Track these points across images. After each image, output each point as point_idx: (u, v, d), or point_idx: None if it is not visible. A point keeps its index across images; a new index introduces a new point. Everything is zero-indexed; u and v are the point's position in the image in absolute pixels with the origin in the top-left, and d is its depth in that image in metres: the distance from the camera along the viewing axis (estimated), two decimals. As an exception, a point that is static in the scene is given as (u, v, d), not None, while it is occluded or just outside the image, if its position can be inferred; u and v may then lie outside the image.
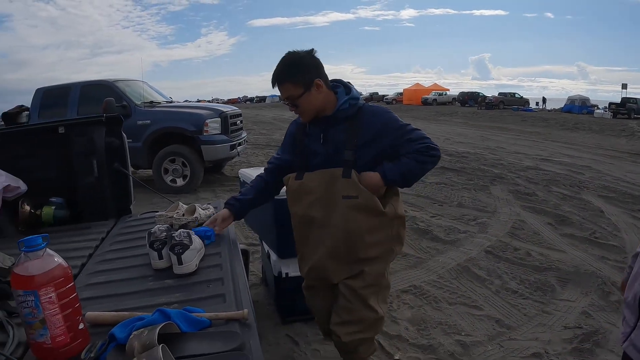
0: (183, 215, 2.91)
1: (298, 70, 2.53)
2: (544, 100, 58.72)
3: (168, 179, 9.98)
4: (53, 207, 3.32)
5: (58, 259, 1.53)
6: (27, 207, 3.25)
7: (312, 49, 2.59)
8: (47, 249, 1.53)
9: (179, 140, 9.99)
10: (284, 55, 2.59)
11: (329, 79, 2.69)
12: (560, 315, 4.40)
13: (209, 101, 44.17)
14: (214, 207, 3.25)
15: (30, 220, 3.26)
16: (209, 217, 2.98)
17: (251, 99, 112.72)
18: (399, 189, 2.76)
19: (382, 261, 2.71)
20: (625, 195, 9.12)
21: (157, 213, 3.05)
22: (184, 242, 2.23)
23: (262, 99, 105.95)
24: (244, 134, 11.46)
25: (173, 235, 2.30)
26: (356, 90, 2.68)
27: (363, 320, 2.66)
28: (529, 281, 5.18)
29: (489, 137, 20.62)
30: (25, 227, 3.22)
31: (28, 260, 1.47)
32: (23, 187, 3.29)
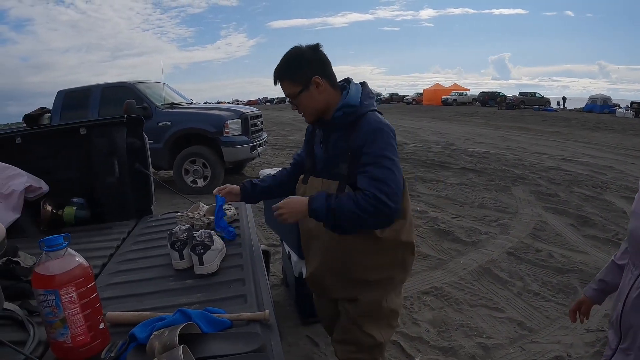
0: (204, 215, 2.90)
1: (297, 66, 2.36)
2: (564, 99, 58.24)
3: (189, 179, 10.06)
4: (74, 208, 3.33)
5: (79, 259, 1.54)
6: (49, 207, 3.26)
7: (317, 44, 2.40)
8: (69, 249, 1.53)
9: (200, 141, 10.06)
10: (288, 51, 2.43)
11: (352, 78, 2.53)
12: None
13: (229, 103, 44.36)
14: (235, 207, 3.25)
15: (52, 220, 3.27)
16: (231, 217, 2.97)
17: (271, 100, 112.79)
18: (409, 209, 2.51)
19: (379, 289, 2.52)
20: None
21: (178, 213, 3.05)
22: (205, 242, 2.22)
23: (282, 100, 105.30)
24: (265, 135, 11.48)
25: (194, 235, 2.29)
26: (357, 95, 2.40)
27: (360, 343, 2.56)
28: (551, 283, 5.14)
29: (510, 138, 20.48)
30: (46, 227, 3.23)
31: (49, 259, 1.48)
32: (45, 187, 3.32)
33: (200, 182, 10.05)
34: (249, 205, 3.35)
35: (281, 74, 2.40)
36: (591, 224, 7.23)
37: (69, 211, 3.31)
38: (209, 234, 2.31)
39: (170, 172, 10.35)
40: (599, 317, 4.33)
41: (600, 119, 34.12)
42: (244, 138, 10.12)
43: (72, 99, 10.69)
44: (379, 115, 2.38)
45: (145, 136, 3.56)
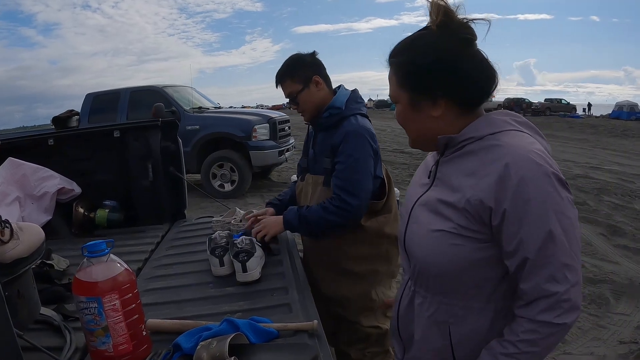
0: (240, 221, 2.86)
1: (297, 67, 2.58)
2: (589, 106, 57.92)
3: (216, 183, 10.06)
4: (107, 210, 3.31)
5: (122, 265, 1.49)
6: (81, 210, 3.25)
7: (314, 51, 2.65)
8: (111, 254, 1.49)
9: (228, 145, 10.06)
10: None
11: (344, 85, 2.71)
12: (615, 329, 4.32)
13: (253, 107, 44.49)
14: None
15: (84, 223, 3.25)
16: None
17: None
18: (395, 205, 2.71)
19: (365, 282, 2.64)
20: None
21: (213, 218, 3.01)
22: (248, 249, 2.18)
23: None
24: (292, 140, 11.46)
25: (235, 242, 2.25)
26: (343, 98, 2.58)
27: (367, 337, 2.67)
28: (583, 294, 4.93)
29: (536, 145, 20.24)
30: (79, 229, 3.22)
31: (91, 265, 1.43)
32: (77, 189, 3.31)
33: (228, 186, 10.06)
34: None
35: (283, 75, 2.61)
36: (621, 234, 7.16)
37: (102, 214, 3.29)
38: (250, 240, 2.28)
39: (198, 176, 10.35)
40: (631, 328, 4.32)
41: (627, 125, 33.93)
42: (272, 143, 10.10)
43: (100, 102, 10.77)
44: (361, 119, 2.54)
45: (180, 140, 3.53)
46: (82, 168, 3.44)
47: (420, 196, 1.53)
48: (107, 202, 3.37)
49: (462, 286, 1.41)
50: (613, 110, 48.30)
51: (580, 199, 9.26)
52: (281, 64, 2.62)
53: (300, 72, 2.56)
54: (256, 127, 9.89)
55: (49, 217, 3.12)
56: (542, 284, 1.26)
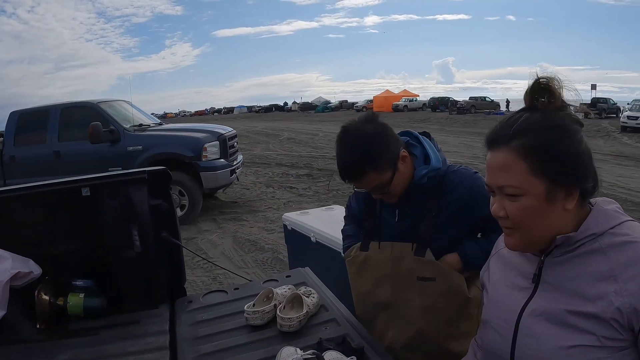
0: (284, 307, 2.12)
1: (378, 152, 1.95)
2: (508, 102, 59.40)
3: (164, 210, 9.07)
4: (81, 295, 2.46)
5: None
6: (46, 297, 2.41)
7: (373, 114, 2.06)
8: None
9: (175, 166, 9.06)
10: (342, 136, 2.01)
11: (415, 132, 2.21)
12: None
13: (175, 114, 43.54)
14: (307, 287, 2.48)
15: (52, 314, 2.42)
16: (316, 304, 2.31)
17: (219, 111, 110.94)
18: None
19: None
20: (627, 203, 9.44)
21: (245, 307, 2.23)
22: None
23: (230, 110, 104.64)
24: (240, 157, 10.77)
25: None
26: (436, 154, 2.09)
27: None
28: None
29: (472, 145, 20.37)
30: (45, 323, 2.39)
31: None
32: (36, 270, 2.45)
33: (177, 212, 9.01)
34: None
35: (363, 169, 1.97)
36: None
37: (75, 300, 2.45)
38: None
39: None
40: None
41: (552, 121, 35.03)
42: (223, 162, 9.35)
43: (27, 121, 9.74)
44: (458, 167, 2.18)
45: (173, 196, 2.79)
46: (39, 236, 2.59)
47: (526, 304, 1.32)
48: (78, 282, 2.51)
49: None
50: (537, 106, 49.97)
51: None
52: (345, 150, 1.98)
53: (385, 156, 1.96)
54: (206, 145, 9.11)
55: (3, 312, 2.27)
56: None
